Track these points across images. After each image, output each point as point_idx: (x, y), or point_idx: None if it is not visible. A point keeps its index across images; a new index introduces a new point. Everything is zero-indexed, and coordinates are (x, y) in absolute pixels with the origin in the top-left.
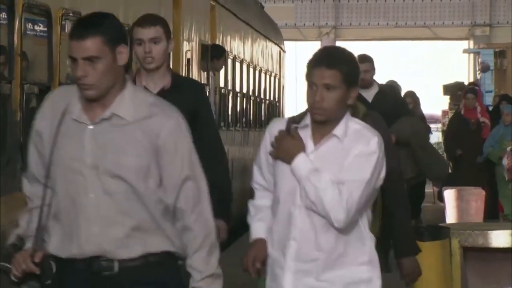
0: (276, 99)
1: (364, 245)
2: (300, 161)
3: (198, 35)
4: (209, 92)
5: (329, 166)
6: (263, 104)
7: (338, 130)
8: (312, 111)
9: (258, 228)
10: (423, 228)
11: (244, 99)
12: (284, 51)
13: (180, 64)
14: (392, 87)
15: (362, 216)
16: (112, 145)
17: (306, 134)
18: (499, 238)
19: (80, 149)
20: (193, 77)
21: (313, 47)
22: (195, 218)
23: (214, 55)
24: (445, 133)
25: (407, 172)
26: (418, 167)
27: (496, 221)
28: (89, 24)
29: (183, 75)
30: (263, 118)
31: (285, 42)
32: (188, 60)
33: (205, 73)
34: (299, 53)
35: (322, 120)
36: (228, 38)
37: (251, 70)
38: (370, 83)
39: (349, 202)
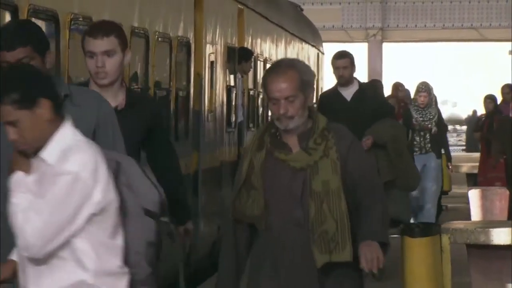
0: (313, 101)
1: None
2: (12, 180)
3: (223, 38)
4: (236, 93)
5: (39, 190)
6: None
7: (45, 152)
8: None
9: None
10: (413, 225)
11: None
12: (322, 53)
13: (202, 66)
14: (373, 86)
15: (82, 247)
16: None
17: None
18: (500, 236)
19: None
20: (218, 79)
21: (360, 49)
22: None
23: (242, 58)
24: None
25: (384, 175)
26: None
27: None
28: None
29: (206, 77)
30: None
31: (332, 44)
32: (212, 63)
33: (232, 75)
34: None
35: (29, 152)
36: (259, 41)
37: None
38: (349, 80)
39: (29, 231)
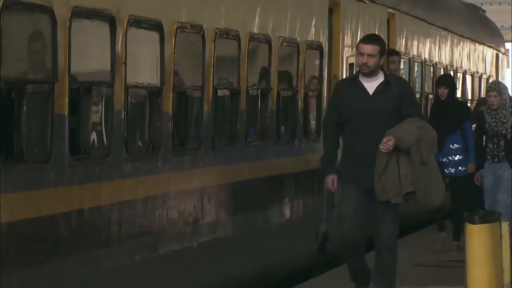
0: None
1: None
2: None
3: None
4: None
5: None
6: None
7: None
8: None
9: None
10: (475, 213)
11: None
12: (503, 54)
13: (339, 68)
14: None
15: None
16: None
17: None
18: None
19: None
20: None
21: None
22: None
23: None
24: None
25: (404, 185)
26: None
27: None
28: None
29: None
30: None
31: None
32: (351, 65)
33: None
34: None
35: None
36: (415, 43)
37: (451, 73)
38: (373, 71)
39: None
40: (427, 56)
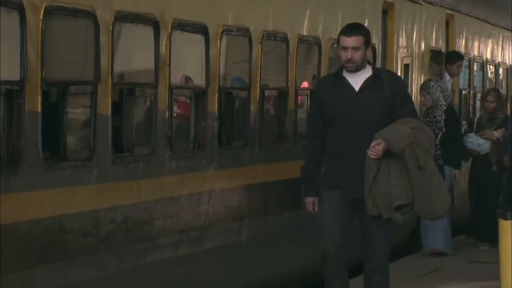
0: None
1: None
2: None
3: (425, 42)
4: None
5: None
6: None
7: None
8: None
9: None
10: (507, 209)
11: None
12: None
13: (394, 69)
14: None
15: None
16: None
17: None
18: None
19: None
20: (413, 81)
21: None
22: None
23: (450, 61)
24: None
25: (396, 196)
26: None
27: None
28: None
29: None
30: None
31: None
32: (406, 66)
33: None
34: None
35: None
36: (476, 43)
37: None
38: (360, 66)
39: None
40: (488, 57)
